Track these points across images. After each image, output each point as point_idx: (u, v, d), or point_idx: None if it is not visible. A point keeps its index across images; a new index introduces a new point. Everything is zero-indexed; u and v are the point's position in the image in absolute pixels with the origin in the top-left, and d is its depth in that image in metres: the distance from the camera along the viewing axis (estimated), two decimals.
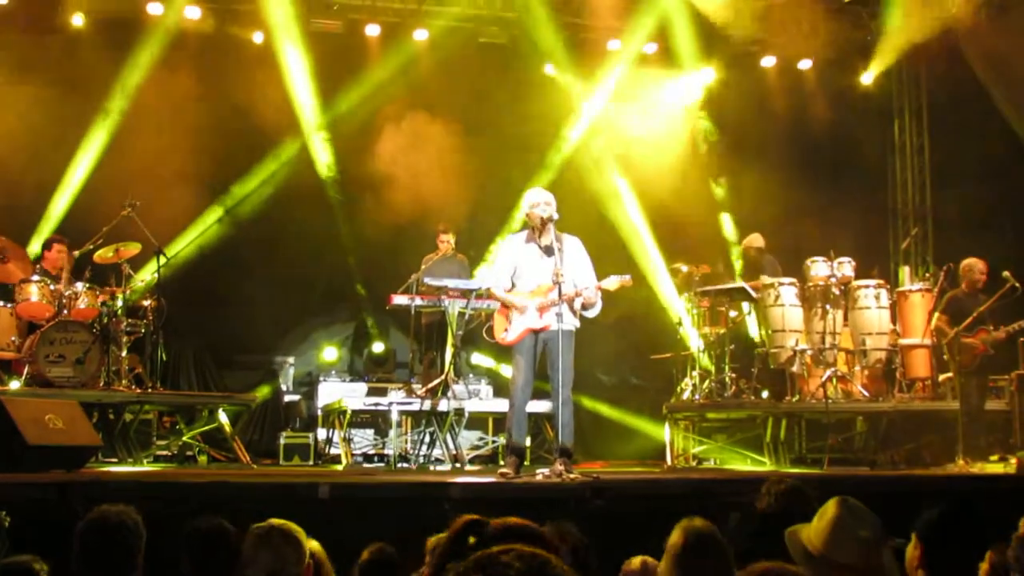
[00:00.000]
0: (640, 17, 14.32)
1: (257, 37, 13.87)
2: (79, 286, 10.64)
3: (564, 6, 14.42)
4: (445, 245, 11.97)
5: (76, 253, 10.91)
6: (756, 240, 12.85)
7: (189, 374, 13.58)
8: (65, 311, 10.45)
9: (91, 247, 10.91)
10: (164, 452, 11.38)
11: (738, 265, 13.95)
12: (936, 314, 10.78)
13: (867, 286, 11.74)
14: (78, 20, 13.18)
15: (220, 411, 11.17)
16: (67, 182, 13.06)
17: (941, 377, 11.74)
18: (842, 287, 11.60)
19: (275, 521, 4.10)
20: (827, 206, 14.18)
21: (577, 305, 7.98)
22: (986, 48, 14.11)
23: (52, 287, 10.49)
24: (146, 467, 10.25)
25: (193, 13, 13.55)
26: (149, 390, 10.76)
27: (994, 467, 9.93)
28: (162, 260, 11.27)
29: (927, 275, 13.86)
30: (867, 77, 15.54)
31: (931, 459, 10.86)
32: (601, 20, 14.47)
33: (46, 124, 12.44)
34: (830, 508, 3.79)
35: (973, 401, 10.58)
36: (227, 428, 11.19)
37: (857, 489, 7.93)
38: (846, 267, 11.64)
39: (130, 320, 10.93)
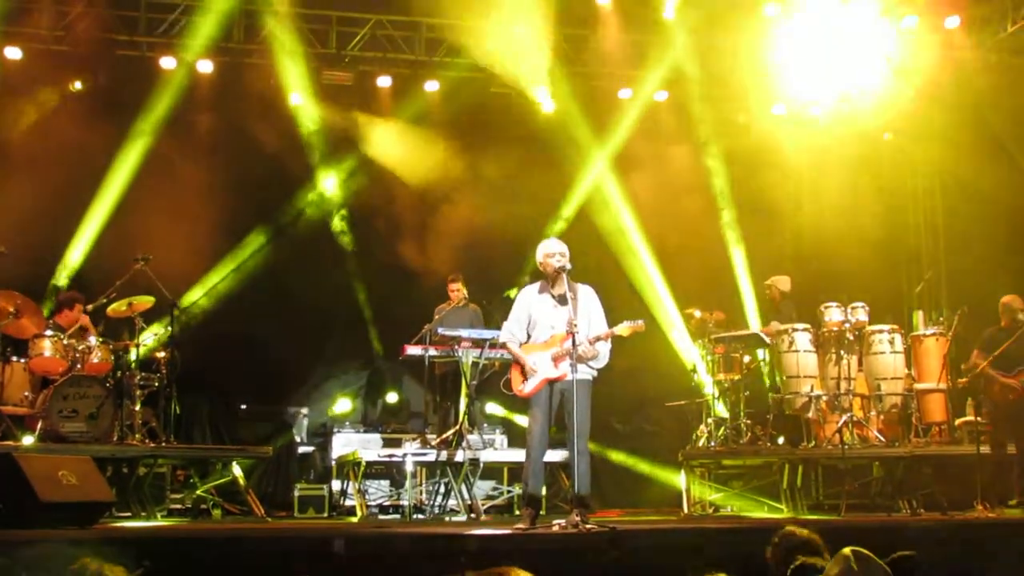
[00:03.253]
0: (650, 66, 14.43)
1: (269, 90, 13.98)
2: (92, 340, 10.67)
3: (575, 56, 14.54)
4: (456, 294, 11.97)
5: (90, 307, 10.95)
6: (783, 283, 12.78)
7: (203, 427, 13.52)
8: (78, 366, 10.46)
9: (104, 301, 10.94)
10: (178, 506, 11.35)
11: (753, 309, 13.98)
12: (975, 351, 10.67)
13: (881, 331, 11.70)
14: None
15: (234, 464, 11.14)
16: (80, 236, 13.15)
17: (957, 421, 11.67)
18: (856, 332, 11.57)
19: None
20: (841, 250, 14.17)
21: (583, 354, 7.89)
22: (995, 93, 14.21)
23: (65, 342, 10.50)
24: (160, 522, 10.19)
25: (205, 67, 13.69)
26: (163, 444, 10.71)
27: (1013, 512, 9.82)
28: (176, 313, 11.28)
29: (941, 319, 13.80)
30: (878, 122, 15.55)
31: (949, 504, 10.75)
32: (612, 69, 14.58)
33: (61, 178, 12.53)
34: (839, 559, 3.78)
35: (1006, 444, 10.45)
36: (241, 481, 11.15)
37: (874, 536, 7.90)
38: (860, 312, 11.61)
39: (143, 374, 10.92)
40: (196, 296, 13.60)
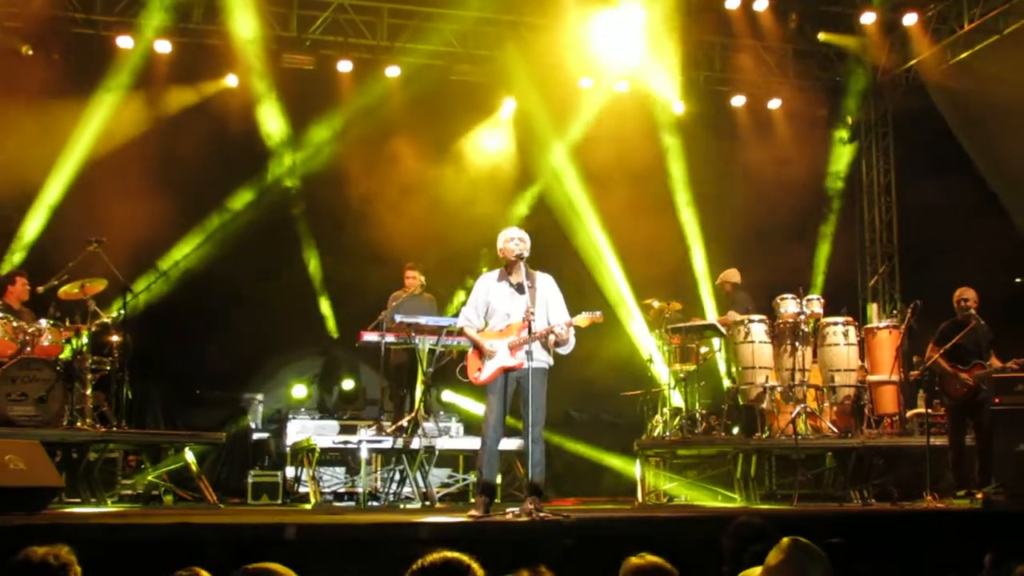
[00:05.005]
0: (611, 56, 14.44)
1: (230, 78, 13.86)
2: (43, 323, 10.51)
3: (536, 44, 14.52)
4: (413, 282, 11.91)
5: (40, 289, 10.76)
6: (732, 275, 12.87)
7: (156, 412, 13.40)
8: (28, 348, 10.31)
9: (56, 283, 10.73)
10: (129, 492, 11.23)
11: (709, 300, 14.05)
12: (930, 344, 10.73)
13: (836, 323, 11.81)
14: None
15: (187, 450, 11.03)
16: (33, 217, 12.96)
17: (909, 413, 11.80)
18: (811, 324, 11.66)
19: (271, 565, 3.99)
20: (796, 243, 14.29)
21: (550, 342, 7.95)
22: (951, 90, 14.34)
23: (15, 324, 10.35)
24: (111, 508, 10.07)
25: (163, 47, 13.53)
26: (114, 429, 10.56)
27: (961, 503, 9.95)
28: (128, 297, 11.14)
29: (895, 312, 13.94)
30: (835, 116, 15.76)
31: (900, 495, 10.87)
32: (572, 58, 14.57)
33: (11, 160, 12.34)
34: (780, 548, 3.83)
35: (962, 434, 10.54)
36: (194, 467, 11.05)
37: (826, 525, 7.96)
38: (815, 304, 11.71)
39: (95, 357, 10.77)
40: (151, 280, 13.44)
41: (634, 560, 4.01)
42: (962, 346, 10.39)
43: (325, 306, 14.37)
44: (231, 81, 13.89)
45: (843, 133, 15.95)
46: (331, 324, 14.36)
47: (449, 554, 3.50)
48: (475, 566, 3.48)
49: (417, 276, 11.94)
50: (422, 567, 3.47)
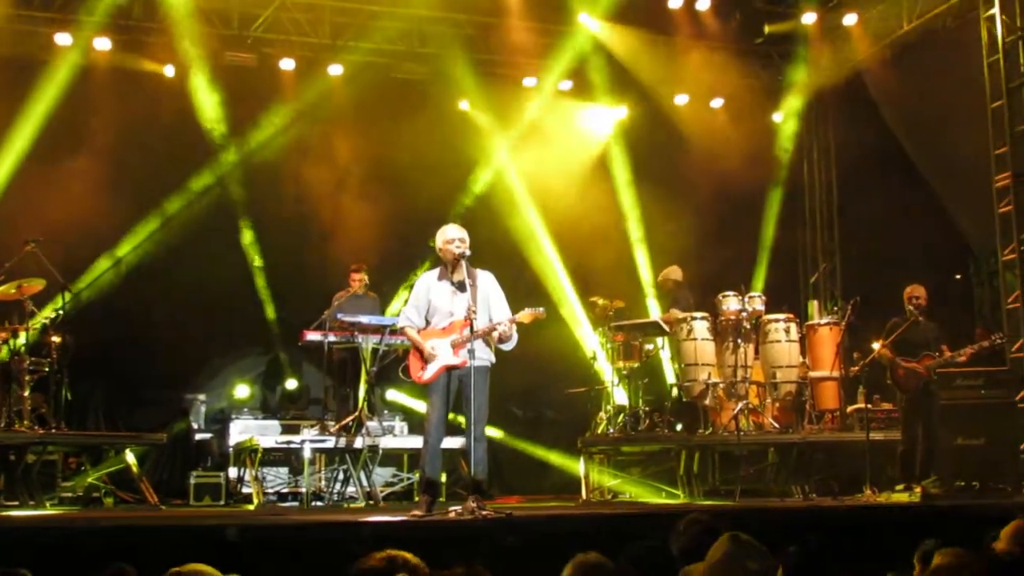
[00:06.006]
0: (555, 55, 14.50)
1: (168, 70, 13.71)
2: None
3: (480, 43, 14.53)
4: (357, 284, 11.88)
5: None
6: (674, 273, 12.96)
7: (97, 413, 13.25)
8: None
9: None
10: (69, 494, 11.11)
11: (653, 298, 14.12)
12: (880, 340, 10.83)
13: (777, 320, 11.95)
14: None
15: (127, 451, 10.94)
16: None
17: (849, 408, 11.96)
18: (753, 321, 11.78)
19: (196, 566, 3.98)
20: (738, 241, 14.42)
21: (494, 338, 7.97)
22: (892, 90, 14.51)
23: None
24: (50, 510, 9.95)
25: (103, 44, 13.36)
26: (53, 430, 10.43)
27: (899, 496, 10.08)
28: (68, 297, 11.00)
29: (835, 309, 14.11)
30: (777, 116, 15.92)
31: (840, 489, 11.01)
32: (517, 57, 14.61)
33: None
34: (719, 545, 3.88)
35: (914, 428, 10.59)
36: (134, 468, 10.97)
37: (768, 520, 8.04)
38: (757, 301, 11.84)
39: (33, 359, 10.61)
40: (90, 279, 13.28)
41: (581, 558, 4.03)
42: (911, 341, 10.47)
43: (268, 305, 14.25)
44: (172, 79, 13.72)
45: (786, 132, 16.07)
46: (274, 323, 14.24)
47: (394, 552, 3.51)
48: (420, 564, 3.49)
49: (362, 277, 11.92)
50: (368, 566, 3.47)
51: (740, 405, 11.37)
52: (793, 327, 11.96)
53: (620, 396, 12.25)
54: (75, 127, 12.89)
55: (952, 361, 10.40)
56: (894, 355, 10.46)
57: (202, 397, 13.96)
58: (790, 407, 12.09)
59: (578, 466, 11.98)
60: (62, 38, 13.20)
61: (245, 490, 11.63)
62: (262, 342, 14.51)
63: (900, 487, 10.32)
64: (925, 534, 4.81)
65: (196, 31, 13.37)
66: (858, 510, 9.41)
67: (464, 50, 14.32)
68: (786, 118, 15.95)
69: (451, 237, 7.99)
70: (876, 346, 10.76)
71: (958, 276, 15.09)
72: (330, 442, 10.77)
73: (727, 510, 9.39)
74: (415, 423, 12.36)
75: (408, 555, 3.51)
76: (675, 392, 12.17)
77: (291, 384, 14.05)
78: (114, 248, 13.55)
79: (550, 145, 14.57)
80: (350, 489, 11.02)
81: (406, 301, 8.35)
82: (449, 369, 7.91)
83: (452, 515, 7.65)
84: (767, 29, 14.96)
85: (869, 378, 11.65)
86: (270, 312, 14.24)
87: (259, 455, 11.16)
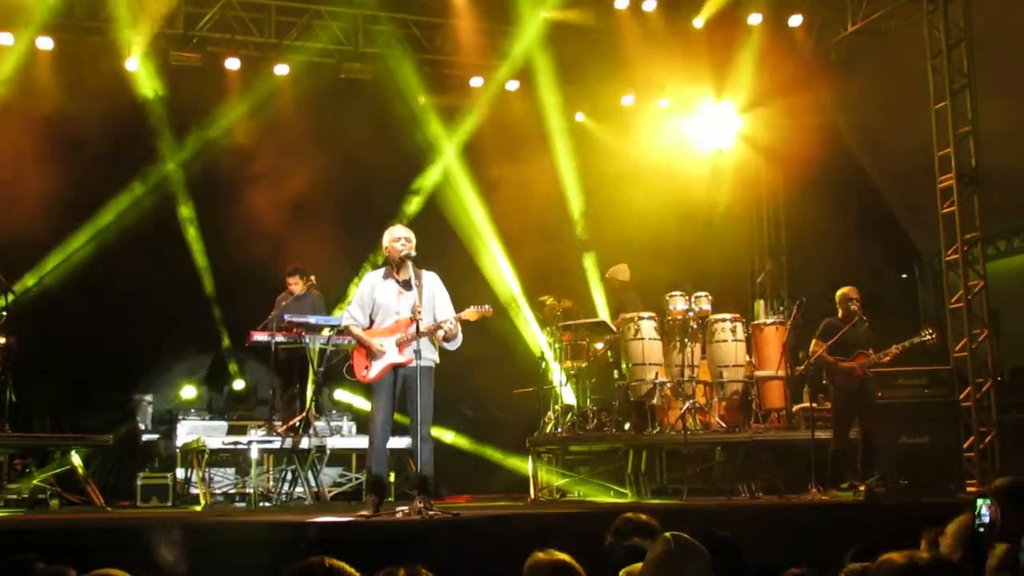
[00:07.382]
0: (502, 55, 14.53)
1: (112, 70, 13.55)
2: None
3: (427, 43, 14.54)
4: (295, 288, 11.85)
5: None
6: (621, 272, 13.03)
7: (42, 414, 13.11)
8: None
9: None
10: (14, 496, 10.98)
11: (601, 297, 14.19)
12: (814, 340, 10.91)
13: (724, 320, 12.04)
14: None
15: (73, 452, 10.83)
16: None
17: (795, 408, 12.07)
18: (700, 321, 11.87)
19: (112, 571, 3.95)
20: (686, 240, 14.52)
21: (439, 337, 7.99)
22: (836, 91, 14.67)
23: None
24: None
25: (45, 44, 13.20)
26: None
27: (844, 495, 10.20)
28: (10, 298, 10.87)
29: (781, 309, 14.24)
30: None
31: (786, 488, 11.12)
32: (464, 57, 14.62)
33: None
34: (658, 544, 3.90)
35: (846, 429, 10.68)
36: (80, 470, 10.86)
37: (715, 519, 8.12)
38: (703, 301, 11.93)
39: None
40: (33, 280, 13.13)
41: (540, 556, 4.03)
42: (846, 342, 10.60)
43: (214, 306, 14.17)
44: (115, 79, 13.57)
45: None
46: (220, 324, 14.16)
47: (329, 561, 3.48)
48: (348, 569, 3.46)
49: (298, 282, 11.87)
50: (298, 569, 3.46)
51: (687, 404, 11.45)
52: (739, 327, 12.06)
53: (568, 395, 12.30)
54: (18, 127, 12.71)
55: (878, 362, 10.53)
56: (831, 355, 10.56)
57: (149, 398, 13.84)
58: (736, 406, 12.18)
59: (527, 465, 12.01)
60: (4, 38, 13.02)
61: (192, 491, 11.57)
62: (209, 343, 14.41)
63: (845, 486, 10.44)
64: (868, 532, 4.88)
65: (141, 31, 13.24)
66: (803, 508, 9.53)
67: (410, 50, 14.33)
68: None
69: (397, 237, 8.04)
70: (813, 346, 10.85)
71: (904, 276, 15.30)
72: (277, 443, 10.75)
73: (675, 509, 9.47)
74: (363, 423, 12.33)
75: (339, 563, 3.47)
76: (622, 391, 12.21)
77: (238, 385, 13.99)
78: (58, 248, 13.39)
79: (496, 145, 14.58)
80: (298, 489, 10.98)
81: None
82: (395, 367, 7.93)
83: (399, 515, 7.67)
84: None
85: (814, 378, 11.78)
86: (216, 313, 14.15)
87: (206, 456, 11.11)
